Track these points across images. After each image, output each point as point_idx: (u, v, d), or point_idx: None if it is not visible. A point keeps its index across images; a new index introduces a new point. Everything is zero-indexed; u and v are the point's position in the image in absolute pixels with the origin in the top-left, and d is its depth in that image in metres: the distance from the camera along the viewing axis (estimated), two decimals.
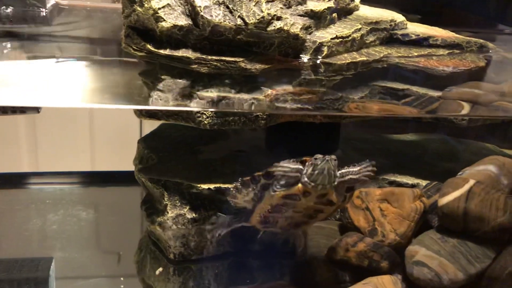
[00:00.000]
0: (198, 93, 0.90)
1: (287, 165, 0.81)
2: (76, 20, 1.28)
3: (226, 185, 0.99)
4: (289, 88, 0.96)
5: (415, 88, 1.02)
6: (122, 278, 1.04)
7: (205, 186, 0.98)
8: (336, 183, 0.81)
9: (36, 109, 1.15)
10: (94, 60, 1.06)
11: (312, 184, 0.79)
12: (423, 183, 1.06)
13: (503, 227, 0.88)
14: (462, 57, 1.18)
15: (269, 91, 0.93)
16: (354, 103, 0.97)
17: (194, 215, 1.00)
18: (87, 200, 1.30)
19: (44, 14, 1.24)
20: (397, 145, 1.26)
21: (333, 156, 0.79)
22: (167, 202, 1.00)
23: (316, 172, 0.78)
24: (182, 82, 0.95)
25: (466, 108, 0.97)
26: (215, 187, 0.98)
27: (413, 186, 1.05)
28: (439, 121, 1.06)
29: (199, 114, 0.93)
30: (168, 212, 0.99)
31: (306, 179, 0.79)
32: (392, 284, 0.89)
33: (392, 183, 1.06)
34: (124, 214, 1.27)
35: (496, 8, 1.48)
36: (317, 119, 1.00)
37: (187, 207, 1.00)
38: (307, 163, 0.80)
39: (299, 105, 0.94)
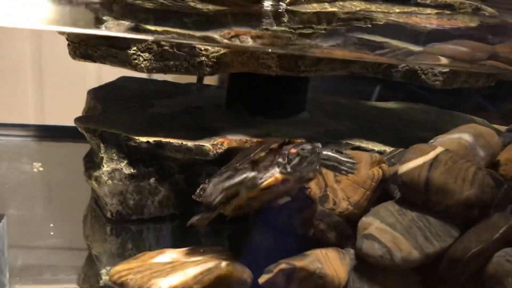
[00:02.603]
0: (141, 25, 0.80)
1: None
2: None
3: (167, 139, 0.89)
4: (250, 30, 0.85)
5: (394, 42, 0.91)
6: (51, 224, 0.96)
7: (143, 139, 0.89)
8: (319, 169, 0.76)
9: None
10: None
11: (298, 174, 0.73)
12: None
13: (469, 202, 0.77)
14: (451, 17, 1.06)
15: (226, 31, 0.83)
16: (322, 49, 0.87)
17: (132, 170, 0.90)
18: (40, 154, 1.22)
19: None
20: (373, 111, 1.15)
21: (319, 144, 0.73)
22: (103, 155, 0.91)
23: (305, 164, 0.72)
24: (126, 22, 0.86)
25: (445, 63, 0.86)
26: (154, 140, 0.89)
27: (379, 153, 0.94)
28: (412, 81, 0.94)
29: (135, 56, 0.83)
30: (103, 166, 0.90)
31: (289, 169, 0.72)
32: (338, 259, 0.79)
33: (357, 149, 0.95)
34: (76, 169, 1.18)
35: None
36: (272, 70, 0.89)
37: (125, 162, 0.91)
38: (286, 152, 0.72)
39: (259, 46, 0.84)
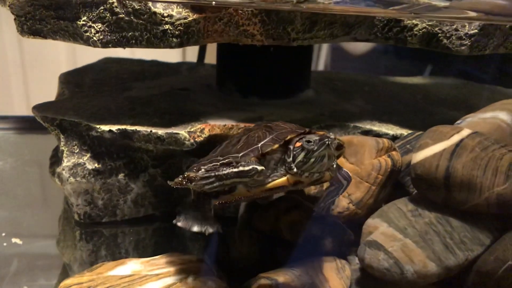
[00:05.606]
0: None
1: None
2: None
3: (134, 127, 0.75)
4: None
5: None
6: (3, 234, 0.83)
7: (105, 128, 0.75)
8: (335, 165, 0.60)
9: None
10: None
11: (306, 174, 0.57)
12: None
13: (504, 199, 0.59)
14: None
15: None
16: (322, 6, 0.70)
17: (96, 165, 0.77)
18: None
19: None
20: (393, 88, 0.97)
21: (332, 135, 0.57)
22: (63, 148, 0.78)
23: (312, 160, 0.57)
24: None
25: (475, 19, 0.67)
26: (119, 129, 0.74)
27: (395, 138, 0.77)
28: (431, 47, 0.75)
29: (86, 28, 0.69)
30: (64, 161, 0.77)
31: (295, 168, 0.57)
32: (334, 271, 0.62)
33: (367, 133, 0.78)
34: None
35: None
36: (257, 40, 0.73)
37: (88, 155, 0.77)
38: (292, 147, 0.58)
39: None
